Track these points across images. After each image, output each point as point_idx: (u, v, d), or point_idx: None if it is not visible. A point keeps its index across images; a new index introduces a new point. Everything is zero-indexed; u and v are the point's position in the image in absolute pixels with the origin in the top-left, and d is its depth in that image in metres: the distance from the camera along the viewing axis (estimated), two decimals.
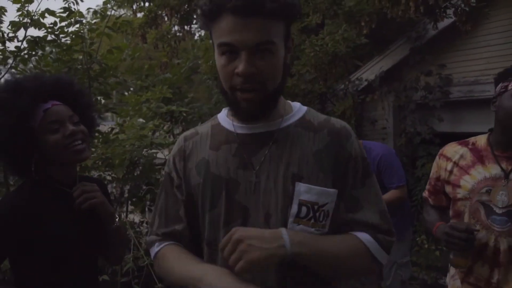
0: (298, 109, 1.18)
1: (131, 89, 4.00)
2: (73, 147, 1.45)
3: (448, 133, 5.54)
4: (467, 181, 1.71)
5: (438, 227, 1.76)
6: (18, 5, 3.40)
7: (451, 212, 1.81)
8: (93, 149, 3.55)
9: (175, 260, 1.12)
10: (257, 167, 1.09)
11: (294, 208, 1.05)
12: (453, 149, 1.81)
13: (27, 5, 3.30)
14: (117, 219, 1.60)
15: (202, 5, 1.04)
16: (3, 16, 3.34)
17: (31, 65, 3.68)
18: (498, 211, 1.62)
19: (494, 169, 1.66)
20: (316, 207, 1.05)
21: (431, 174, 1.92)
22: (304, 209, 1.05)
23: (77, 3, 3.61)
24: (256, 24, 0.97)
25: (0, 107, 1.43)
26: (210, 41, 1.14)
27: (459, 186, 1.74)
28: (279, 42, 1.03)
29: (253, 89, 1.02)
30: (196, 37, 8.28)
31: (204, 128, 1.23)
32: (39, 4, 3.43)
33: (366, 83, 5.93)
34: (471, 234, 1.58)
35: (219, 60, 1.04)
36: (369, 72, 5.94)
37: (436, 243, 4.76)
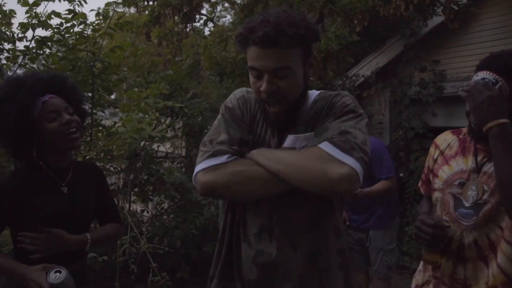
0: (312, 95, 1.42)
1: (132, 84, 4.22)
2: (69, 135, 1.65)
3: (441, 128, 5.59)
4: (445, 172, 1.67)
5: (418, 220, 1.65)
6: (27, 8, 3.63)
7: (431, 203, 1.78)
8: (96, 142, 3.79)
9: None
10: (281, 139, 1.36)
11: None
12: (443, 137, 1.76)
13: (34, 7, 3.53)
14: (84, 238, 1.72)
15: (236, 36, 1.32)
16: (13, 18, 3.57)
17: (39, 63, 3.91)
18: (466, 204, 1.55)
19: (471, 162, 1.59)
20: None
21: (426, 162, 1.86)
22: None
23: (82, 5, 3.84)
24: (274, 54, 1.22)
25: (4, 100, 1.62)
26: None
27: (437, 176, 1.70)
28: (296, 65, 1.27)
29: (275, 103, 1.29)
30: (206, 33, 8.47)
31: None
32: (46, 7, 3.65)
33: (362, 79, 6.07)
34: (441, 229, 1.53)
35: (251, 78, 1.31)
36: (366, 68, 6.08)
37: None
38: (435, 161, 1.73)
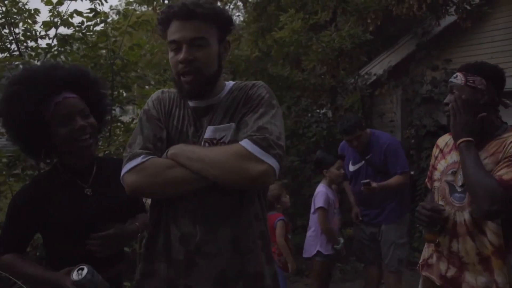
0: (228, 85, 1.54)
1: (152, 82, 4.32)
2: (80, 142, 1.57)
3: None
4: (442, 165, 1.95)
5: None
6: (49, 7, 3.75)
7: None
8: (115, 138, 3.90)
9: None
10: (200, 129, 1.47)
11: (201, 146, 1.44)
12: (443, 139, 2.05)
13: (58, 6, 3.65)
14: (136, 227, 1.74)
15: (157, 17, 1.47)
16: (37, 16, 3.69)
17: (60, 60, 4.02)
18: (458, 189, 1.84)
19: None
20: (215, 141, 1.43)
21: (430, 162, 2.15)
22: (206, 144, 1.43)
23: (102, 4, 3.95)
24: (191, 25, 1.38)
25: (13, 99, 1.54)
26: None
27: (436, 169, 1.98)
28: (212, 39, 1.42)
29: (191, 73, 1.39)
30: None
31: (175, 92, 1.56)
32: (68, 6, 3.76)
33: (375, 77, 6.11)
34: (437, 212, 1.80)
35: (170, 54, 1.44)
36: (378, 66, 6.13)
37: None
38: (436, 158, 2.01)
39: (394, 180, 3.28)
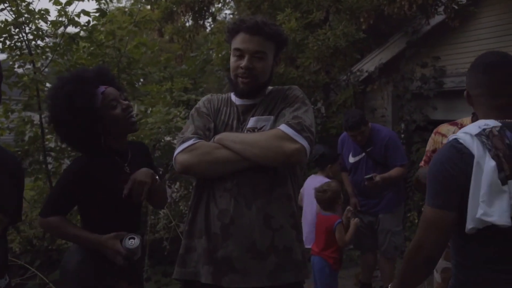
0: (268, 89, 1.84)
1: (154, 81, 4.47)
2: (130, 118, 1.84)
3: (441, 121, 5.72)
4: None
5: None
6: (58, 6, 3.87)
7: None
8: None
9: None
10: (244, 122, 1.75)
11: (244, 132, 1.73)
12: (446, 128, 2.27)
13: (67, 7, 3.78)
14: (157, 177, 1.92)
15: (228, 25, 1.83)
16: (47, 16, 3.81)
17: (67, 58, 4.15)
18: None
19: None
20: (256, 130, 1.70)
21: (427, 148, 2.38)
22: (248, 133, 1.69)
23: (108, 4, 4.09)
24: (256, 40, 1.68)
25: (72, 95, 1.75)
26: (230, 52, 1.82)
27: None
28: (269, 54, 1.73)
29: (248, 77, 1.69)
30: (207, 30, 8.70)
31: (224, 95, 1.89)
32: (76, 6, 3.90)
33: (366, 74, 6.27)
34: None
35: (232, 59, 1.74)
36: (369, 64, 6.29)
37: None
38: (442, 143, 2.13)
39: (394, 171, 3.47)
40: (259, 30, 1.66)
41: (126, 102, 1.86)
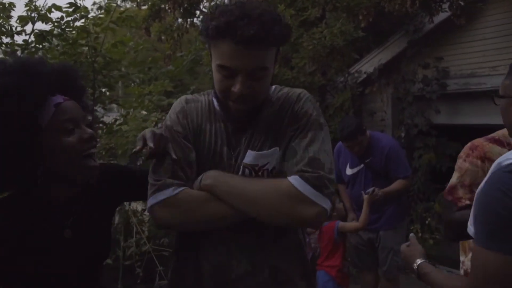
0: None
1: (137, 81, 4.15)
2: (87, 158, 1.18)
3: (445, 125, 5.65)
4: None
5: None
6: (26, 0, 3.54)
7: None
8: (97, 140, 3.72)
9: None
10: (237, 148, 1.27)
11: (240, 172, 1.25)
12: (496, 150, 1.64)
13: (35, 0, 3.45)
14: None
15: (205, 25, 1.18)
16: (12, 11, 3.48)
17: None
18: None
19: None
20: (257, 167, 1.24)
21: (469, 180, 1.66)
22: (246, 170, 1.24)
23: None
24: (255, 53, 1.13)
25: (7, 94, 1.11)
26: (209, 52, 1.26)
27: None
28: (271, 66, 1.22)
29: (244, 103, 1.19)
30: (198, 29, 8.39)
31: (203, 99, 1.35)
32: (45, 1, 3.56)
33: (365, 75, 6.02)
34: None
35: (216, 74, 1.20)
36: (368, 64, 6.03)
37: (430, 232, 4.90)
38: None
39: (396, 185, 3.19)
40: (261, 40, 1.12)
41: (90, 130, 1.21)
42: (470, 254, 1.68)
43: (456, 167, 1.74)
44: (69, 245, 1.21)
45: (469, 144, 1.74)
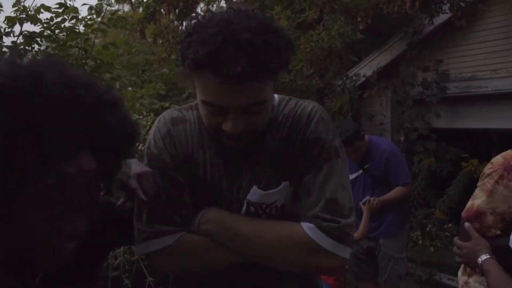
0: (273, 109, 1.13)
1: (127, 84, 4.05)
2: (64, 249, 0.81)
3: (445, 129, 5.58)
4: None
5: None
6: (14, 1, 3.44)
7: None
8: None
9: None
10: (238, 180, 1.09)
11: (244, 209, 1.08)
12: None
13: (23, 0, 3.34)
14: None
15: (182, 54, 0.95)
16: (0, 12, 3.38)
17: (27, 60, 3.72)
18: None
19: None
20: (264, 206, 1.07)
21: (501, 207, 1.39)
22: (251, 208, 1.08)
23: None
24: (248, 89, 0.91)
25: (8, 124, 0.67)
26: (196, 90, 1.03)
27: None
28: (270, 94, 1.01)
29: (239, 140, 1.01)
30: None
31: (190, 116, 1.13)
32: (34, 0, 3.45)
33: (363, 78, 5.95)
34: None
35: (203, 109, 1.00)
36: (367, 67, 5.96)
37: (431, 239, 4.82)
38: None
39: (395, 192, 3.09)
40: (250, 76, 0.89)
41: (82, 224, 0.80)
42: (475, 276, 1.57)
43: (483, 187, 1.46)
44: None
45: (501, 159, 1.45)
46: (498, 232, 1.40)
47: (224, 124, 0.96)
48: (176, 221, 1.05)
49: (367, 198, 2.98)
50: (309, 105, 1.12)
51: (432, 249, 4.73)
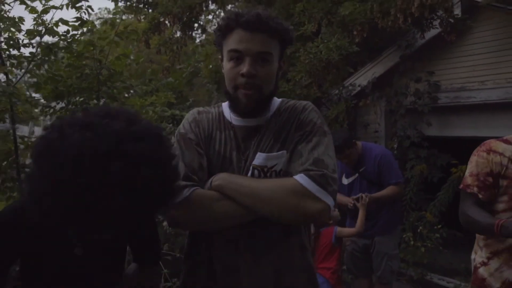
0: (274, 104, 1.47)
1: (138, 95, 4.26)
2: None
3: (436, 137, 5.78)
4: None
5: (503, 225, 1.64)
6: (34, 15, 3.65)
7: (503, 205, 1.83)
8: None
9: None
10: (246, 152, 1.38)
11: (249, 172, 1.35)
12: (501, 146, 1.85)
13: (43, 15, 3.56)
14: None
15: (219, 21, 1.37)
16: (22, 25, 3.59)
17: (43, 69, 3.91)
18: None
19: None
20: (265, 169, 1.34)
21: (476, 170, 1.87)
22: (256, 172, 1.34)
23: (89, 13, 3.88)
24: (259, 38, 1.31)
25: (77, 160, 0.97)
26: (220, 56, 1.44)
27: None
28: (275, 56, 1.36)
29: (252, 88, 1.32)
30: (197, 42, 8.53)
31: (213, 110, 1.49)
32: (53, 14, 3.67)
33: (359, 88, 6.16)
34: None
35: (227, 64, 1.35)
36: (362, 78, 6.17)
37: (422, 241, 5.00)
38: (506, 167, 1.82)
39: (388, 190, 3.29)
40: (262, 25, 1.30)
41: None
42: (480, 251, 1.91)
43: (468, 163, 1.96)
44: (79, 262, 1.29)
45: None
46: (475, 189, 1.86)
47: (242, 70, 1.30)
48: (193, 179, 1.30)
49: (359, 194, 3.20)
50: (305, 102, 1.48)
51: (423, 249, 4.87)
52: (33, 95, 4.23)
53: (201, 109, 1.51)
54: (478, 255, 1.96)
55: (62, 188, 0.96)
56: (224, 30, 1.35)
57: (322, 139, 1.34)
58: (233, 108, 1.40)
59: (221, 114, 1.46)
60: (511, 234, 1.62)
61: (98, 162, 0.96)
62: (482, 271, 1.92)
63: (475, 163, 1.91)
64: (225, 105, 1.48)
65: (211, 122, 1.44)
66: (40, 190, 1.01)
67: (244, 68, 1.30)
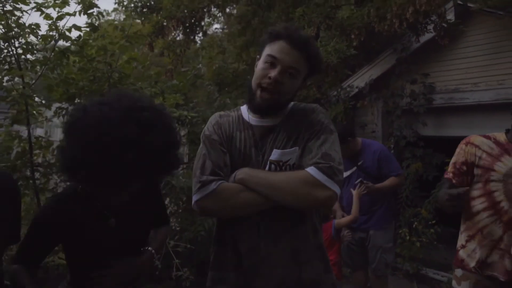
0: (288, 106, 1.67)
1: (148, 95, 4.43)
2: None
3: (431, 137, 5.93)
4: (501, 167, 2.06)
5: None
6: (49, 21, 3.82)
7: (477, 192, 2.13)
8: None
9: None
10: (263, 148, 1.58)
11: (267, 166, 1.55)
12: (480, 139, 2.16)
13: (58, 21, 3.74)
14: (149, 255, 1.68)
15: (270, 30, 1.61)
16: (39, 30, 3.77)
17: (56, 72, 4.09)
18: None
19: None
20: (281, 163, 1.55)
21: (454, 159, 2.22)
22: (272, 166, 1.55)
23: (99, 19, 4.07)
24: (295, 54, 1.53)
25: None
26: (258, 56, 1.65)
27: (493, 170, 2.08)
28: (301, 75, 1.57)
29: (271, 92, 1.53)
30: (198, 44, 8.70)
31: (233, 113, 1.70)
32: (67, 21, 3.85)
33: (357, 90, 6.31)
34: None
35: (261, 65, 1.56)
36: (360, 80, 6.33)
37: (417, 236, 5.17)
38: (480, 158, 2.13)
39: (389, 181, 3.42)
40: (302, 46, 1.52)
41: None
42: (461, 236, 2.22)
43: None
44: (113, 232, 1.55)
45: None
46: (451, 175, 2.22)
47: (271, 71, 1.51)
48: (219, 174, 1.52)
49: (359, 179, 3.35)
50: (314, 105, 1.71)
51: (418, 244, 5.04)
52: (40, 99, 4.39)
53: (222, 113, 1.72)
54: (459, 240, 2.24)
55: (88, 150, 1.28)
56: (271, 37, 1.56)
57: (329, 137, 1.55)
58: (250, 103, 1.61)
59: (240, 116, 1.67)
60: (452, 196, 1.99)
61: (114, 127, 1.29)
62: (461, 253, 2.21)
63: (456, 153, 2.24)
64: (243, 108, 1.70)
65: (232, 124, 1.65)
66: (71, 154, 1.34)
67: (274, 73, 1.51)
